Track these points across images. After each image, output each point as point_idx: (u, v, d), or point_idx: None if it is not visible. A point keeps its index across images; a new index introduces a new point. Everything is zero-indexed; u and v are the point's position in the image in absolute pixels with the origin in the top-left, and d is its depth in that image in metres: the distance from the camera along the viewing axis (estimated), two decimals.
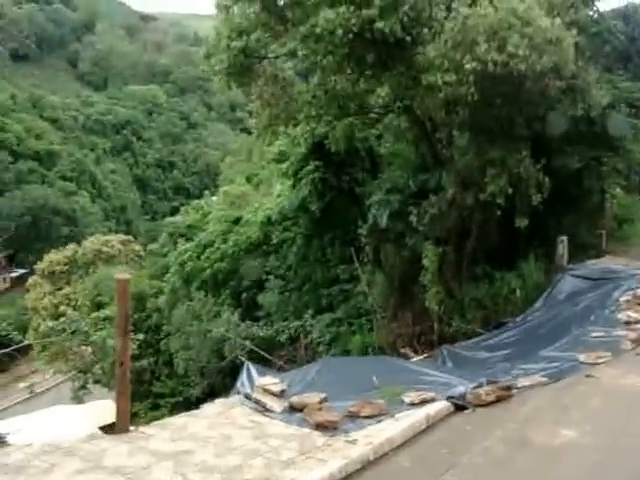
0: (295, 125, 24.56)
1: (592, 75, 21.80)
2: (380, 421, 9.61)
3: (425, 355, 19.13)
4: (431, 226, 21.03)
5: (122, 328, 9.08)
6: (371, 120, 26.23)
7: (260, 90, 22.59)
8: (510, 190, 19.69)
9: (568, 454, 8.59)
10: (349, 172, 29.65)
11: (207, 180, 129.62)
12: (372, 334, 25.30)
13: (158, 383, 34.80)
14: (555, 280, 20.26)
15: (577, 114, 20.77)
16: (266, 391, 10.87)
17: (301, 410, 10.04)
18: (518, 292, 20.59)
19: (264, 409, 10.44)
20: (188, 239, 43.05)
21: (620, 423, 9.64)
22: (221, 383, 28.57)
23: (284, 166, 32.65)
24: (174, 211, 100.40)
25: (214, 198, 67.85)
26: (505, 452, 8.71)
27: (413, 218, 21.04)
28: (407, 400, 10.39)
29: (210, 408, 11.10)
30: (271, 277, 32.71)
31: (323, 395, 10.50)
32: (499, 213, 20.27)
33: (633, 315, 15.71)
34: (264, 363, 27.92)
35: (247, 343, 29.30)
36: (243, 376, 12.71)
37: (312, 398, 10.38)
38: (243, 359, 22.82)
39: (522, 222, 20.27)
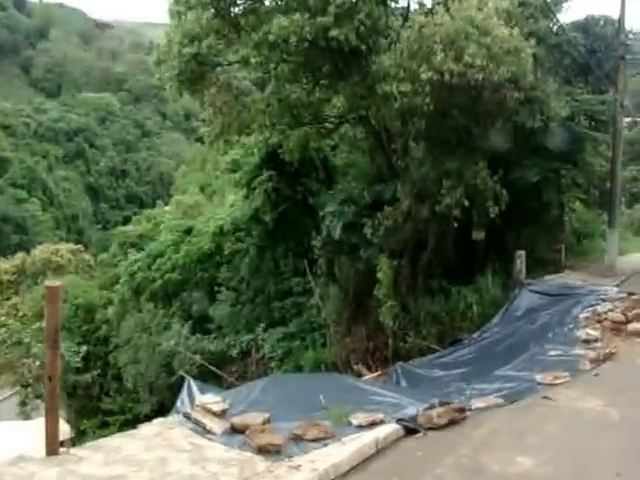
0: (248, 134, 23.94)
1: (551, 86, 21.47)
2: (326, 445, 8.98)
3: (378, 373, 18.49)
4: (386, 238, 20.56)
5: (51, 340, 8.34)
6: (326, 130, 25.68)
7: (213, 98, 22.01)
8: (467, 202, 19.31)
9: None
10: (303, 182, 29.12)
11: (160, 189, 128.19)
12: (325, 349, 24.71)
13: (107, 399, 33.66)
14: (512, 296, 19.83)
15: (535, 126, 20.41)
16: (206, 411, 10.13)
17: (243, 432, 9.31)
18: (475, 307, 20.15)
19: (204, 430, 9.71)
20: (139, 249, 42.01)
21: (579, 451, 9.10)
22: (171, 400, 27.54)
23: (237, 175, 31.96)
24: (126, 220, 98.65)
25: (167, 208, 66.92)
26: None
27: (367, 230, 20.57)
28: (355, 422, 9.80)
29: (148, 428, 10.32)
30: (223, 289, 31.94)
31: (267, 415, 9.82)
32: (455, 226, 19.94)
33: (592, 333, 15.38)
34: (214, 379, 27.28)
35: (197, 358, 28.56)
36: (184, 393, 11.97)
37: (255, 419, 9.67)
38: (185, 375, 22.02)
39: (479, 235, 19.93)
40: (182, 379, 27.13)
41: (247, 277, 31.25)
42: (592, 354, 13.78)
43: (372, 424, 9.72)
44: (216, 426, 9.71)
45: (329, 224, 22.81)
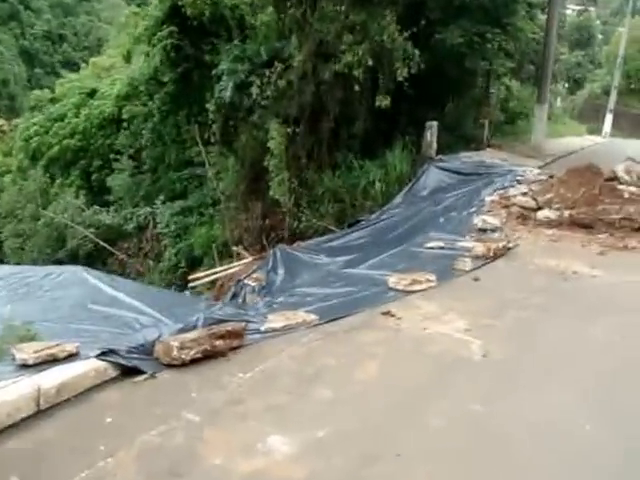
0: None
1: None
2: None
3: (256, 257, 16.02)
4: (279, 102, 17.85)
5: None
6: None
7: None
8: (371, 62, 16.59)
9: None
10: (213, 43, 26.01)
11: (98, 55, 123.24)
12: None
13: None
14: (419, 173, 17.11)
15: None
16: None
17: None
18: (378, 184, 17.59)
19: None
20: None
21: (384, 425, 5.13)
22: None
23: (137, 31, 28.65)
24: None
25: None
26: None
27: (254, 90, 17.75)
28: (20, 357, 5.71)
29: None
30: (124, 157, 29.13)
31: None
32: (357, 89, 17.20)
33: (490, 221, 12.35)
34: (110, 256, 24.96)
35: (88, 232, 25.98)
36: None
37: None
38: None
39: (383, 101, 17.21)
40: (74, 254, 24.89)
41: (149, 145, 28.44)
42: (481, 249, 10.44)
43: (50, 361, 5.72)
44: None
45: (222, 84, 19.89)
